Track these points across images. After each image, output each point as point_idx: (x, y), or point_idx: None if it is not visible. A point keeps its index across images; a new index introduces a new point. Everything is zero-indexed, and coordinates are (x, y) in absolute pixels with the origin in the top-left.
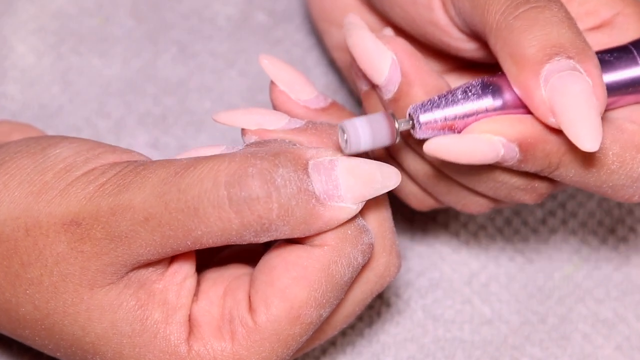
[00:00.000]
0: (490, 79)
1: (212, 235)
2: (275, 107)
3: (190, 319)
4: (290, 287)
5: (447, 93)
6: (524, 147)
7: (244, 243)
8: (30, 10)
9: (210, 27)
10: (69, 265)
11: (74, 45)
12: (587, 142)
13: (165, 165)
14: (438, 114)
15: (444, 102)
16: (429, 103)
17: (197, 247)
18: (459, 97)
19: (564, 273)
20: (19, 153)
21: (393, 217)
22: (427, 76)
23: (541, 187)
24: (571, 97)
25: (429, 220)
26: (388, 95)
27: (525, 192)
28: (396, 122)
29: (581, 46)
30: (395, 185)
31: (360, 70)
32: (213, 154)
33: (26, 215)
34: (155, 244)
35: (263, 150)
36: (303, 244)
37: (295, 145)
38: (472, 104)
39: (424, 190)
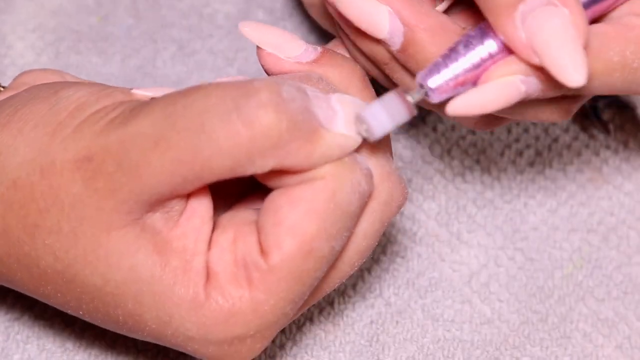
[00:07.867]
0: (487, 24)
1: (221, 157)
2: (267, 71)
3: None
4: (299, 222)
5: (449, 51)
6: (544, 75)
7: (251, 172)
8: (29, 8)
9: (209, 25)
10: (85, 207)
11: (72, 44)
12: (571, 78)
13: (171, 92)
14: (446, 74)
15: (448, 61)
16: (433, 66)
17: (208, 175)
18: (462, 51)
19: (564, 272)
20: (32, 99)
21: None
22: (429, 18)
23: (566, 101)
24: (548, 35)
25: (428, 219)
26: (396, 46)
27: (552, 111)
28: (409, 96)
29: None
30: None
31: (360, 31)
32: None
33: (41, 156)
34: (166, 171)
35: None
36: (303, 183)
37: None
38: (477, 54)
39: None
